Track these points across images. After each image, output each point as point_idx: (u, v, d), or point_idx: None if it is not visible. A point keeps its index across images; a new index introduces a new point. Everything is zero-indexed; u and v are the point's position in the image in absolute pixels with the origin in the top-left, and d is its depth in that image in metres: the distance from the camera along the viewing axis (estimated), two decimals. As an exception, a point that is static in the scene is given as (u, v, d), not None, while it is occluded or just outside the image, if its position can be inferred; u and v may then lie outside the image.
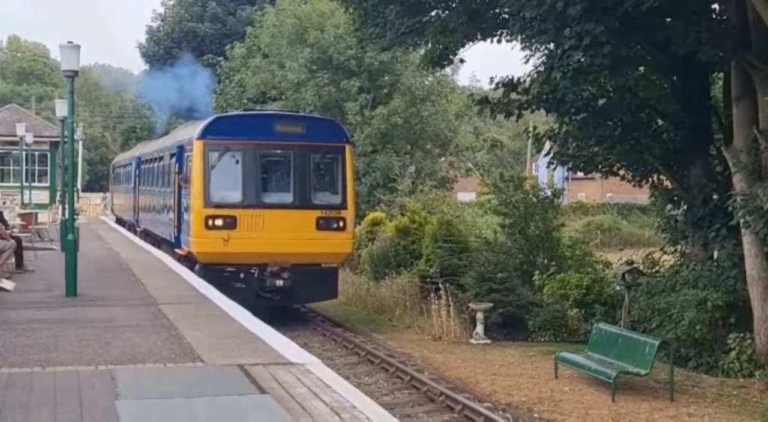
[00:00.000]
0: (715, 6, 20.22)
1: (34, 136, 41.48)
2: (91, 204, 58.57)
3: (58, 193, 38.63)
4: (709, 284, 19.31)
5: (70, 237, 16.69)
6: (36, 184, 44.77)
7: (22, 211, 31.41)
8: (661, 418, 14.69)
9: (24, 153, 41.37)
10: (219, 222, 21.82)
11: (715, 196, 20.83)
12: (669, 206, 23.50)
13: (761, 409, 15.42)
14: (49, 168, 48.06)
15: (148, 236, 31.66)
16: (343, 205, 22.99)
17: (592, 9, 16.66)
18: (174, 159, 25.51)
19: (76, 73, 16.77)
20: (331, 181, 23.59)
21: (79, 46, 16.62)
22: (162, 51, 62.72)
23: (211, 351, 10.71)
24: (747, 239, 18.13)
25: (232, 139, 22.51)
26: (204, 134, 22.53)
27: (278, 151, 23.01)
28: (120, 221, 43.81)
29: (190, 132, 24.48)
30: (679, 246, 22.85)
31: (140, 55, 66.87)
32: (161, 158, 29.06)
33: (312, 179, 22.98)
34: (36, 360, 10.15)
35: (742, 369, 17.69)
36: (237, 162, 22.46)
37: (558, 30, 17.66)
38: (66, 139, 23.41)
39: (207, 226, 21.81)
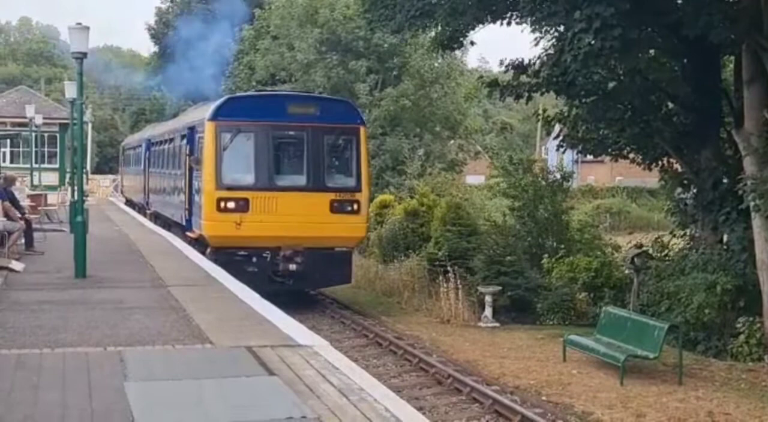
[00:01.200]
0: (727, -12, 20.06)
1: (44, 118, 41.58)
2: (100, 186, 58.65)
3: (68, 175, 38.69)
4: (718, 268, 19.26)
5: (79, 218, 16.72)
6: (45, 165, 44.90)
7: (32, 193, 31.49)
8: (669, 401, 14.67)
9: (33, 134, 41.44)
10: (231, 204, 21.44)
11: (725, 180, 20.75)
12: (679, 189, 23.44)
13: (770, 393, 15.39)
14: (58, 149, 48.22)
15: (158, 218, 31.33)
16: (357, 188, 22.56)
17: (603, -9, 16.55)
18: (185, 140, 25.13)
19: (84, 54, 16.76)
20: (345, 164, 23.14)
21: (88, 28, 16.61)
22: (171, 32, 62.60)
23: (220, 333, 10.73)
24: (757, 223, 18.07)
25: (244, 120, 22.04)
26: (216, 115, 22.11)
27: (291, 133, 22.52)
28: (130, 203, 43.54)
29: (201, 113, 24.07)
30: (688, 230, 22.78)
31: (149, 37, 66.80)
32: (172, 140, 28.67)
33: (326, 161, 22.53)
34: (45, 342, 10.18)
35: (750, 353, 17.67)
36: (249, 143, 22.05)
37: (568, 12, 17.57)
38: (75, 121, 23.45)
39: (219, 209, 21.42)
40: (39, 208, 28.03)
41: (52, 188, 40.58)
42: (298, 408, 7.63)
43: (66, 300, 13.28)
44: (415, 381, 16.39)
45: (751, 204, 17.68)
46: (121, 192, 51.16)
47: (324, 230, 21.82)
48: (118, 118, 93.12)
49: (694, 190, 22.11)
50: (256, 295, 14.00)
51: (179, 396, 8.10)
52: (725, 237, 20.67)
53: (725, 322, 18.68)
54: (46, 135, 46.24)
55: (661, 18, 18.92)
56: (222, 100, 23.33)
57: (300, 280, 22.23)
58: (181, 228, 25.33)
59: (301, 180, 22.22)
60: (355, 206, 22.34)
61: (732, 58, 22.20)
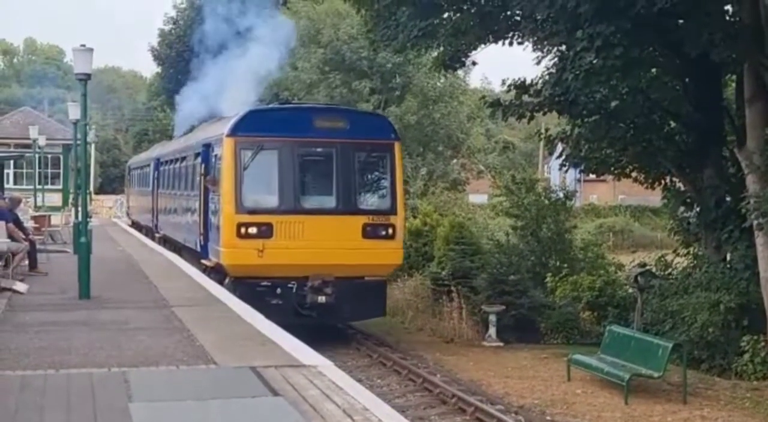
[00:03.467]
0: (728, 7, 20.16)
1: (47, 139, 41.70)
2: (103, 206, 58.71)
3: (71, 196, 38.75)
4: (721, 286, 19.25)
5: (83, 239, 16.74)
6: (49, 186, 44.97)
7: (36, 214, 31.54)
8: (674, 421, 14.65)
9: (37, 156, 41.52)
10: (253, 230, 19.64)
11: (728, 198, 20.78)
12: (681, 208, 23.45)
13: (775, 412, 15.36)
14: (62, 170, 48.32)
15: (167, 242, 29.58)
16: (392, 210, 20.63)
17: (604, 10, 16.66)
18: (199, 159, 23.12)
19: (88, 76, 16.82)
20: (379, 183, 21.40)
21: (92, 49, 16.67)
22: (174, 54, 62.83)
23: (224, 353, 10.73)
24: (760, 241, 18.07)
25: (266, 135, 20.16)
26: (235, 130, 20.22)
27: (319, 149, 20.75)
28: (136, 225, 41.49)
29: (218, 128, 22.15)
30: (691, 249, 22.78)
31: (152, 58, 67.04)
32: (184, 158, 26.76)
33: (357, 180, 20.68)
34: (50, 363, 10.17)
35: (755, 372, 17.63)
36: (272, 161, 20.15)
37: (570, 31, 17.67)
38: (79, 142, 23.48)
39: (239, 235, 19.62)
40: (43, 229, 28.05)
41: (56, 209, 40.66)
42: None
43: (70, 321, 13.28)
44: (420, 401, 16.36)
45: (755, 222, 17.69)
46: (127, 213, 49.37)
47: (356, 257, 19.93)
48: (121, 138, 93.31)
49: (697, 209, 22.12)
50: (260, 315, 13.98)
51: (184, 417, 8.10)
52: (728, 256, 20.66)
53: (729, 341, 18.65)
54: (49, 156, 46.34)
55: (663, 37, 19.00)
56: (242, 113, 21.10)
57: (329, 313, 20.18)
58: (194, 255, 23.47)
59: (330, 201, 20.45)
60: (390, 230, 20.43)
61: (734, 76, 22.26)
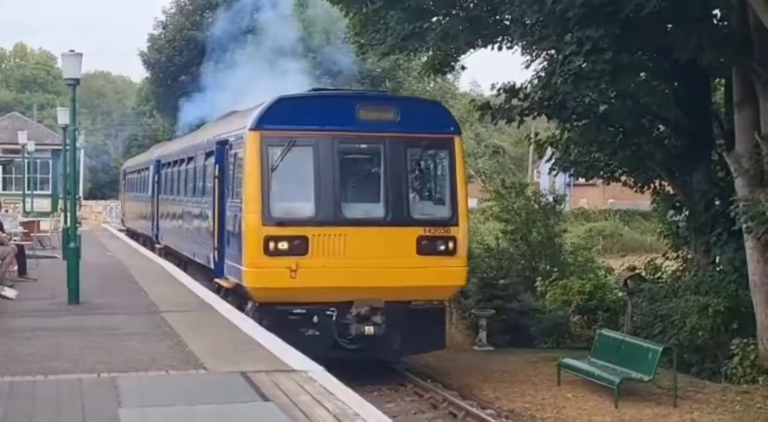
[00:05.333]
0: (717, 12, 20.25)
1: (36, 144, 41.59)
2: (93, 212, 58.58)
3: (60, 201, 38.66)
4: (711, 290, 19.32)
5: (72, 245, 16.69)
6: (38, 192, 44.86)
7: (24, 219, 31.45)
8: (664, 424, 14.67)
9: (26, 161, 41.43)
10: (283, 245, 16.19)
11: (717, 202, 20.86)
12: (671, 212, 23.54)
13: (764, 415, 15.41)
14: (51, 176, 48.19)
15: (170, 255, 26.48)
16: (452, 220, 17.07)
17: (593, 14, 16.73)
18: (212, 159, 19.87)
19: (77, 81, 16.79)
20: (436, 187, 18.05)
21: (80, 55, 16.65)
22: (164, 58, 62.72)
23: (214, 359, 10.71)
24: (749, 244, 18.14)
25: (300, 128, 16.67)
26: (261, 122, 16.69)
27: (363, 145, 17.36)
28: (132, 234, 38.55)
29: (238, 121, 18.66)
30: (681, 252, 22.86)
31: (141, 63, 66.88)
32: (192, 159, 23.26)
33: (410, 184, 17.28)
34: (39, 369, 10.13)
35: (745, 375, 17.68)
36: (307, 160, 16.74)
37: (559, 36, 17.73)
38: (68, 147, 23.41)
39: (267, 251, 16.17)
40: (32, 235, 27.97)
41: (45, 214, 40.55)
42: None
43: (59, 327, 13.24)
44: (410, 406, 16.35)
45: (743, 226, 17.76)
46: (122, 221, 45.94)
47: (409, 278, 16.52)
48: (111, 143, 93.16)
49: (686, 213, 22.20)
50: (251, 321, 13.96)
51: (174, 423, 8.07)
52: (717, 259, 20.74)
53: (719, 344, 18.71)
54: (38, 161, 46.23)
55: (652, 41, 19.08)
56: (270, 101, 17.19)
57: (378, 347, 16.79)
58: (205, 273, 20.37)
59: (378, 210, 16.93)
60: (451, 244, 16.87)
61: (722, 81, 22.36)
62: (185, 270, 22.45)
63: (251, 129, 16.81)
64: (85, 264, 17.63)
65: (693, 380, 18.01)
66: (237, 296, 17.58)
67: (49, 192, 47.61)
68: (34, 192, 43.17)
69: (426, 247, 16.80)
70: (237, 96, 35.12)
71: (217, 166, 19.29)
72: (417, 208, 17.27)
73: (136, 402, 8.69)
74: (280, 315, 16.18)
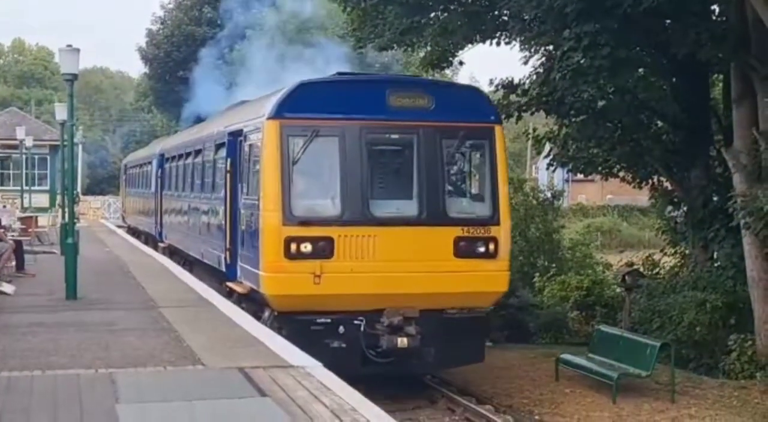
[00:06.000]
0: (715, 7, 20.27)
1: (34, 140, 41.55)
2: (91, 207, 58.56)
3: (58, 197, 38.63)
4: (708, 285, 19.34)
5: (69, 240, 16.68)
6: (36, 187, 44.82)
7: (23, 215, 31.44)
8: (662, 420, 14.69)
9: (24, 156, 41.41)
10: (306, 247, 14.58)
11: (715, 198, 20.87)
12: (669, 208, 23.55)
13: (762, 410, 15.43)
14: (49, 171, 48.16)
15: (174, 254, 25.11)
16: (493, 219, 15.40)
17: (591, 9, 16.73)
18: (223, 152, 18.30)
19: (75, 76, 16.77)
20: (475, 182, 16.64)
21: (78, 50, 16.62)
22: (162, 54, 62.72)
23: (212, 354, 10.70)
24: (747, 240, 18.15)
25: (324, 117, 14.98)
26: (281, 110, 15.01)
27: (395, 136, 15.65)
28: (134, 231, 37.04)
29: (254, 110, 16.91)
30: (679, 248, 22.88)
31: (140, 58, 66.87)
32: (199, 152, 21.65)
33: (446, 178, 15.69)
34: (36, 364, 10.13)
35: (742, 371, 17.71)
36: (332, 153, 15.07)
37: (557, 31, 17.74)
38: (66, 143, 23.40)
39: (288, 254, 14.54)
40: (30, 230, 27.95)
41: (43, 210, 40.52)
42: (291, 429, 7.62)
43: (57, 322, 13.22)
44: (408, 402, 16.34)
45: (741, 221, 17.76)
46: (123, 218, 44.71)
47: (446, 283, 14.96)
48: (109, 139, 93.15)
49: (685, 208, 22.22)
50: (249, 316, 13.93)
51: (171, 418, 8.07)
52: (715, 255, 20.76)
53: (716, 340, 18.73)
54: (36, 157, 46.20)
55: (650, 37, 19.08)
56: (290, 87, 15.51)
57: (411, 361, 15.15)
58: (215, 275, 18.96)
59: (411, 207, 15.28)
60: (492, 246, 15.26)
61: (721, 76, 22.37)
62: (191, 270, 21.33)
63: (270, 117, 15.03)
64: (83, 260, 17.61)
65: (691, 375, 18.03)
66: (252, 302, 15.94)
67: (47, 187, 47.56)
68: (32, 187, 43.14)
69: (464, 249, 15.12)
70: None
71: (228, 160, 17.68)
72: (454, 205, 15.63)
73: (134, 397, 8.68)
74: (301, 326, 14.51)
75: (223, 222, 17.79)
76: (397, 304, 14.78)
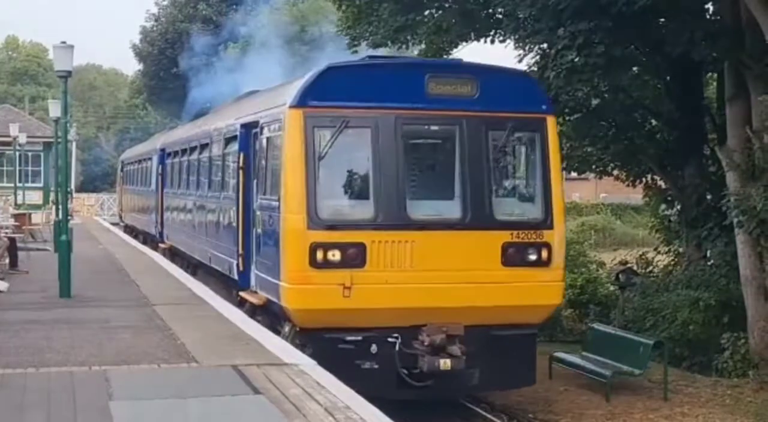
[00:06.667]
0: (709, 6, 20.29)
1: (28, 137, 41.44)
2: (85, 204, 58.50)
3: (52, 194, 38.56)
4: (702, 284, 19.38)
5: (63, 237, 16.66)
6: (29, 184, 44.73)
7: (16, 212, 31.38)
8: (655, 418, 14.71)
9: (17, 153, 41.31)
10: (334, 254, 12.79)
11: (708, 196, 20.92)
12: (663, 206, 23.59)
13: (755, 408, 15.46)
14: (42, 168, 48.06)
15: (177, 256, 23.82)
16: (546, 222, 13.66)
17: (585, 7, 16.75)
18: (235, 145, 16.57)
19: (69, 73, 16.75)
20: (525, 180, 14.69)
21: (72, 47, 16.59)
22: (156, 51, 62.66)
23: (206, 352, 10.70)
24: (740, 239, 18.18)
25: (355, 105, 13.17)
26: (305, 97, 13.17)
27: (435, 128, 14.10)
28: (131, 231, 35.58)
29: (272, 98, 15.04)
30: (672, 246, 22.92)
31: (134, 55, 66.79)
32: (206, 146, 19.90)
33: (492, 176, 13.82)
34: (30, 361, 10.12)
35: (735, 369, 17.73)
36: (364, 146, 13.35)
37: (551, 30, 17.74)
38: (59, 140, 23.34)
39: (314, 263, 12.76)
40: (23, 228, 27.90)
41: (37, 207, 40.44)
42: (285, 427, 7.63)
43: (51, 320, 13.21)
44: (402, 400, 16.31)
45: (735, 220, 17.79)
46: (120, 216, 42.95)
47: (493, 296, 13.24)
48: (103, 136, 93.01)
49: (678, 207, 22.26)
50: (243, 314, 13.92)
51: (165, 416, 8.08)
52: (708, 253, 20.80)
53: (710, 338, 18.77)
54: (30, 154, 46.09)
55: (644, 36, 19.10)
56: (316, 71, 13.59)
57: (453, 384, 13.45)
58: (225, 282, 17.32)
59: (453, 209, 13.53)
60: (544, 253, 13.55)
61: (714, 75, 22.41)
62: (194, 274, 20.09)
63: (293, 106, 13.19)
64: (76, 257, 17.60)
65: (684, 374, 18.06)
66: (269, 315, 14.24)
67: (41, 184, 47.46)
68: (26, 184, 43.03)
69: (513, 257, 13.41)
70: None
71: (241, 154, 15.89)
72: (501, 206, 13.79)
73: (127, 395, 8.68)
74: (328, 344, 12.80)
75: (235, 224, 15.96)
76: (438, 320, 12.99)
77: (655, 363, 17.16)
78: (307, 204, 12.86)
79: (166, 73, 61.59)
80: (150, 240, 28.74)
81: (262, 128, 14.73)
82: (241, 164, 15.81)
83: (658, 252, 23.50)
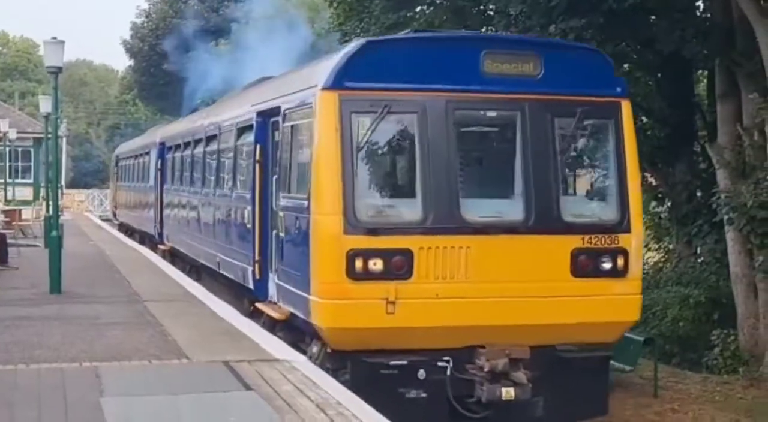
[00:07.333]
0: (700, 3, 20.35)
1: (18, 132, 41.35)
2: (75, 200, 58.41)
3: (42, 190, 38.47)
4: (692, 281, 19.45)
5: (54, 233, 16.62)
6: (20, 180, 44.65)
7: (6, 208, 31.30)
8: (645, 414, 14.75)
9: (7, 149, 41.21)
10: (376, 263, 10.81)
11: (699, 193, 20.98)
12: (653, 203, 23.63)
13: (745, 405, 15.52)
14: (32, 164, 47.98)
15: (177, 258, 22.31)
16: (621, 224, 11.60)
17: (577, 5, 16.77)
18: (250, 137, 14.55)
19: (60, 69, 16.70)
20: (597, 175, 12.69)
21: (63, 42, 16.55)
22: (147, 47, 62.58)
23: (197, 348, 10.69)
24: (730, 236, 18.24)
25: (399, 87, 11.19)
26: (341, 78, 11.10)
27: (492, 113, 11.98)
28: (126, 230, 34.09)
29: (298, 80, 12.91)
30: (663, 243, 22.99)
31: (124, 51, 66.70)
32: (213, 139, 18.00)
33: (560, 170, 11.73)
34: (20, 358, 10.09)
35: (725, 366, 17.80)
36: (409, 135, 11.38)
37: (543, 27, 17.76)
38: (50, 136, 23.28)
39: (352, 273, 10.73)
40: (13, 223, 27.83)
41: (27, 203, 40.36)
42: (276, 423, 7.64)
43: (41, 316, 13.18)
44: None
45: (725, 217, 17.85)
46: (113, 214, 41.12)
47: (561, 311, 11.24)
48: (93, 132, 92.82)
49: (669, 204, 22.32)
50: (234, 311, 13.90)
51: (156, 412, 8.06)
52: (699, 250, 20.87)
53: (700, 335, 18.84)
54: (20, 149, 45.99)
55: (635, 33, 19.13)
56: (353, 47, 11.57)
57: (515, 414, 11.39)
58: (237, 291, 15.51)
59: (514, 209, 11.49)
60: (620, 261, 11.52)
61: (705, 72, 22.47)
62: (198, 278, 18.64)
63: (326, 88, 11.17)
64: (67, 254, 17.55)
65: (674, 370, 18.11)
66: (292, 332, 12.36)
67: (31, 180, 47.40)
68: (16, 180, 42.96)
69: (585, 266, 11.42)
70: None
71: (258, 146, 13.91)
72: (570, 206, 11.75)
73: (118, 391, 8.67)
74: (367, 369, 10.87)
75: (250, 226, 14.01)
76: (496, 340, 11.03)
77: (645, 359, 17.20)
78: (343, 203, 10.84)
79: (157, 69, 61.53)
80: (148, 239, 27.39)
81: (285, 115, 12.77)
82: (257, 157, 13.83)
83: (649, 249, 23.56)
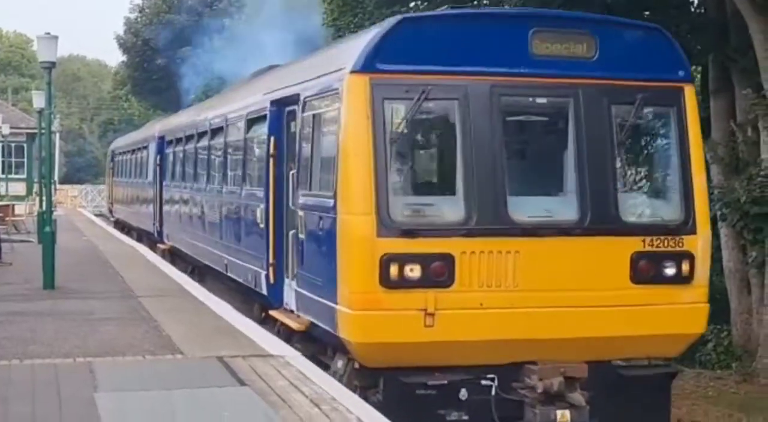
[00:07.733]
0: (694, -1, 20.37)
1: (11, 128, 41.28)
2: (68, 196, 58.34)
3: (35, 185, 38.41)
4: (686, 276, 19.44)
5: (47, 229, 16.60)
6: (13, 175, 44.59)
7: (-1, 203, 31.28)
8: (639, 409, 14.76)
9: (0, 144, 41.14)
10: (413, 270, 9.52)
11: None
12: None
13: (738, 400, 15.56)
14: (25, 160, 47.92)
15: (178, 258, 21.43)
16: (686, 224, 10.35)
17: (572, 0, 16.79)
18: (263, 128, 13.24)
19: (53, 64, 16.68)
20: (659, 169, 11.27)
21: (56, 37, 16.53)
22: (140, 42, 62.44)
23: (191, 344, 10.68)
24: (724, 232, 18.28)
25: (438, 70, 9.88)
26: (373, 59, 9.80)
27: (541, 100, 10.58)
28: (123, 227, 33.10)
29: (321, 63, 11.62)
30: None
31: (118, 47, 66.54)
32: (219, 131, 16.71)
33: (617, 164, 10.48)
34: (14, 353, 10.08)
35: (719, 361, 17.85)
36: (450, 125, 10.19)
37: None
38: (43, 131, 23.21)
39: (386, 281, 9.46)
40: (6, 219, 27.79)
41: (20, 199, 40.30)
42: (270, 419, 7.62)
43: (34, 312, 13.16)
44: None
45: (718, 213, 17.88)
46: (110, 210, 40.00)
47: (621, 322, 10.04)
48: (86, 127, 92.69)
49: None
50: (228, 306, 13.88)
51: (150, 407, 8.06)
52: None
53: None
54: (13, 145, 45.95)
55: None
56: (386, 25, 10.19)
57: None
58: (246, 295, 14.52)
59: (568, 208, 10.25)
60: (685, 266, 10.30)
61: (699, 68, 22.48)
62: (201, 280, 17.79)
63: (356, 71, 9.84)
64: (60, 249, 17.53)
65: (667, 366, 18.14)
66: (312, 343, 11.29)
67: (24, 176, 47.32)
68: (9, 176, 42.93)
69: (646, 271, 10.14)
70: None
71: (271, 138, 12.67)
72: (629, 204, 10.49)
73: (112, 386, 8.67)
74: (403, 388, 9.63)
75: (263, 225, 12.76)
76: (547, 356, 9.80)
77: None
78: (375, 202, 9.54)
79: (150, 64, 61.40)
80: (146, 238, 26.48)
81: (305, 103, 11.46)
82: (271, 151, 12.56)
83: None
